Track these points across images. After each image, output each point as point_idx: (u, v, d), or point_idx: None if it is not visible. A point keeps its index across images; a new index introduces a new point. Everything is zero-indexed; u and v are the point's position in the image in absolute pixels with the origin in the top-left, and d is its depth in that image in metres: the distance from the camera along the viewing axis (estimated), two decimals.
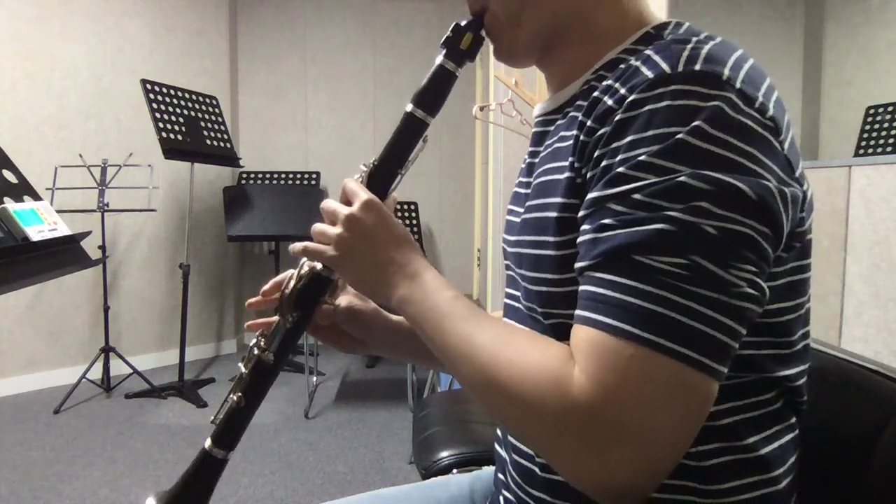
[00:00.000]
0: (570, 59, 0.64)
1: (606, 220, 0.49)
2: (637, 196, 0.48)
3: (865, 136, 3.25)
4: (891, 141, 3.12)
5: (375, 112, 4.46)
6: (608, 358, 0.46)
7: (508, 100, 2.24)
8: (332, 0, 4.38)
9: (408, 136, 0.68)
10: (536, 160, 0.65)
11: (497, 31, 0.67)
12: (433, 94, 0.68)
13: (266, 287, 0.76)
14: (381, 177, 0.69)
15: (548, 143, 0.64)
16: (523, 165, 0.71)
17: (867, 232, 2.05)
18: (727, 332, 0.46)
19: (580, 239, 0.52)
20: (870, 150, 3.19)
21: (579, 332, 0.49)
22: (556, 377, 0.48)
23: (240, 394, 0.69)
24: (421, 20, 4.43)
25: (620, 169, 0.49)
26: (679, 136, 0.47)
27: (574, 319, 0.51)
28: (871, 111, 3.24)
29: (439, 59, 0.67)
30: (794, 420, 0.59)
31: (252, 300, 0.77)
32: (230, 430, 0.70)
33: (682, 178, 0.46)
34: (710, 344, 0.46)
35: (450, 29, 0.67)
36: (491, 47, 0.69)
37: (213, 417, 0.71)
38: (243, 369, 0.71)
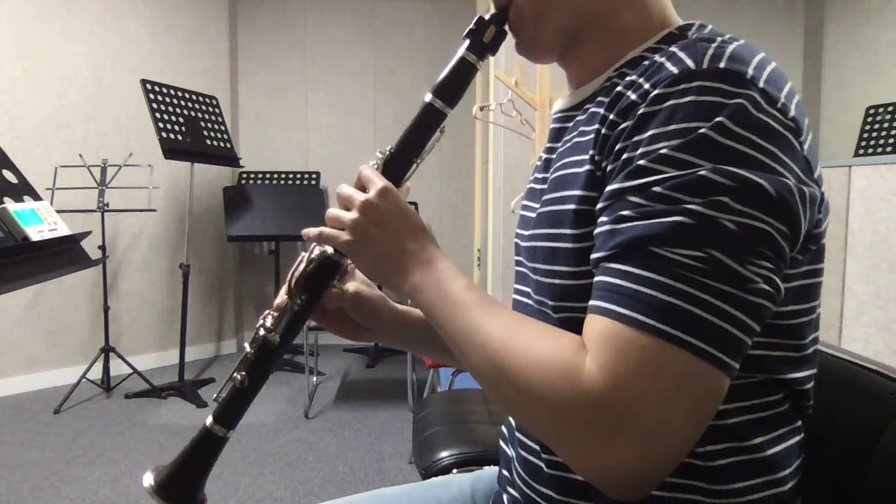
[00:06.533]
0: (592, 56, 0.65)
1: (625, 212, 0.49)
2: (657, 189, 0.48)
3: (865, 136, 3.26)
4: (891, 141, 3.13)
5: (375, 112, 4.45)
6: (620, 347, 0.46)
7: (508, 100, 2.24)
8: (332, 0, 4.38)
9: (426, 125, 0.68)
10: (554, 156, 0.65)
11: (521, 25, 0.67)
12: (453, 85, 0.67)
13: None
14: (397, 164, 0.69)
15: (566, 138, 0.64)
16: (539, 163, 0.70)
17: (867, 232, 2.05)
18: (741, 328, 0.46)
19: (597, 230, 0.52)
20: (870, 151, 3.20)
21: (592, 323, 0.50)
22: (568, 366, 0.48)
23: (244, 373, 0.70)
24: (421, 20, 4.42)
25: (641, 162, 0.49)
26: (701, 130, 0.47)
27: (588, 310, 0.51)
28: (871, 111, 3.25)
29: (461, 50, 0.67)
30: (799, 423, 0.59)
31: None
32: (232, 408, 0.71)
33: (702, 173, 0.47)
34: (723, 338, 0.46)
35: (473, 21, 0.67)
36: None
37: (215, 395, 0.72)
38: (248, 349, 0.71)
